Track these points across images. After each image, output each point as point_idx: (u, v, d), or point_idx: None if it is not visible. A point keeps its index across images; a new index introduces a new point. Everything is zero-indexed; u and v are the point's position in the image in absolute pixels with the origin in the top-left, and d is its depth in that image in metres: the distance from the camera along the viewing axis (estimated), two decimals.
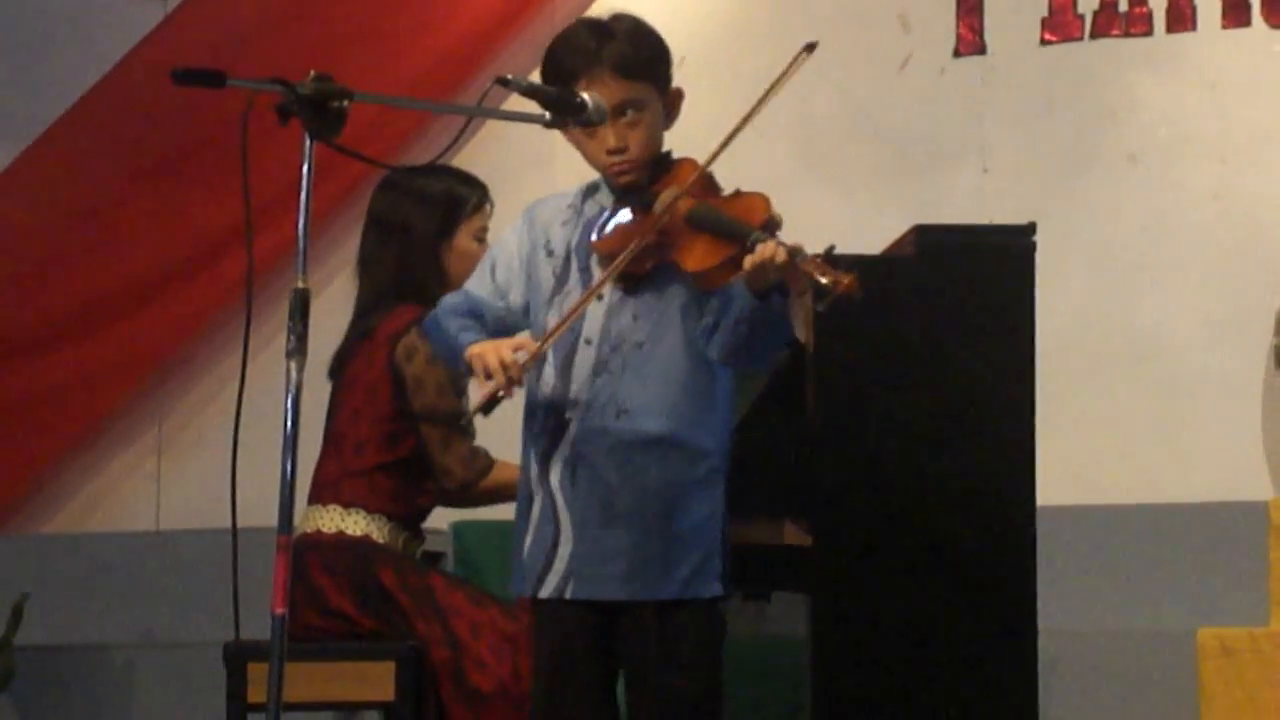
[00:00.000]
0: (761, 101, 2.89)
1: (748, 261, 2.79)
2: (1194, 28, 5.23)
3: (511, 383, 2.87)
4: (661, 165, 3.03)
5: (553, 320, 3.00)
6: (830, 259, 2.77)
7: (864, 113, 5.43)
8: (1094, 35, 5.31)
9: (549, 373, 3.02)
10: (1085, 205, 5.26)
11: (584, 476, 2.98)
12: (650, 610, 2.97)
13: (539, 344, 2.92)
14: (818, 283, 2.74)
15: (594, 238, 3.01)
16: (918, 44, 5.42)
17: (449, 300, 3.13)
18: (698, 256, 2.90)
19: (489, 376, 2.88)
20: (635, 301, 3.00)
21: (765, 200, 2.90)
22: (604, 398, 2.98)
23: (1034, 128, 5.33)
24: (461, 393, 3.79)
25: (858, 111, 5.43)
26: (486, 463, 3.81)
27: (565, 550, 3.00)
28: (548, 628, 3.04)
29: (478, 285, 3.12)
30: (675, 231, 2.93)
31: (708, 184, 2.99)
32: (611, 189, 3.06)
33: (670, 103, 3.06)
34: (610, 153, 2.99)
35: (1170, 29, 5.26)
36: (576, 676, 3.01)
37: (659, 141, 3.05)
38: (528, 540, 3.05)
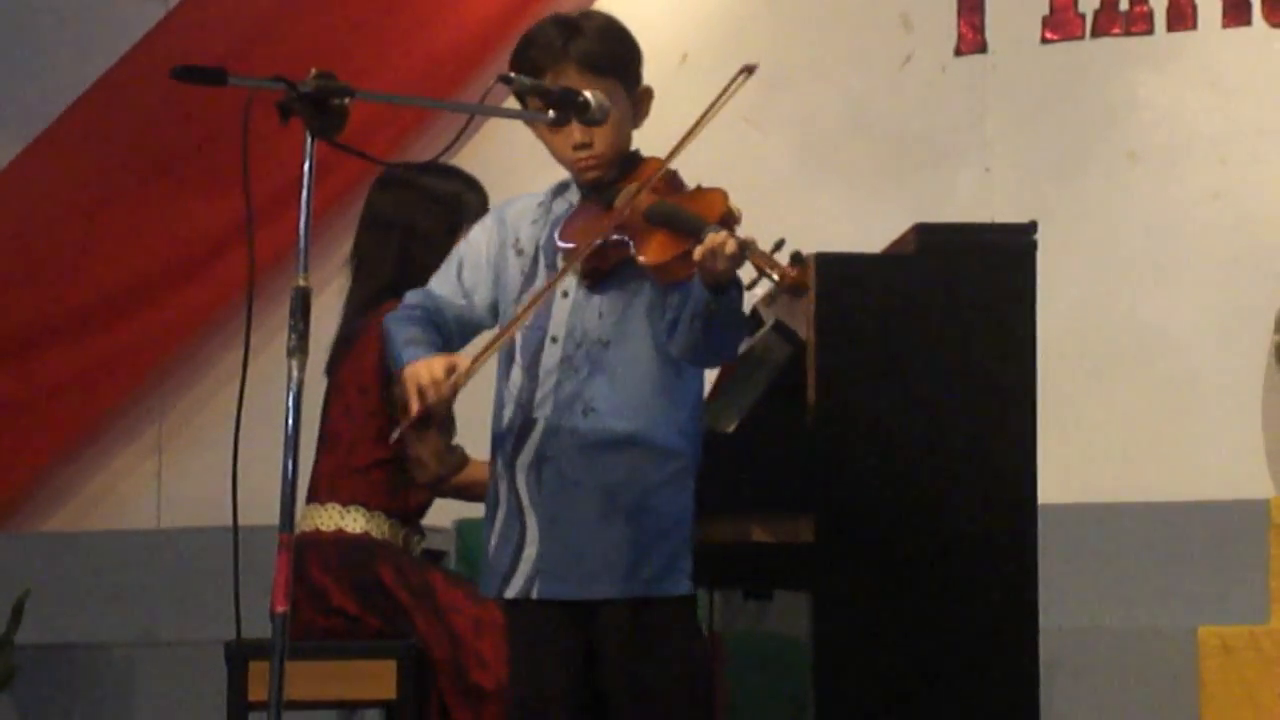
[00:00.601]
0: (703, 120, 2.90)
1: (697, 251, 2.78)
2: (1195, 26, 5.24)
3: (442, 401, 2.89)
4: (630, 163, 3.03)
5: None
6: (779, 252, 2.79)
7: (865, 111, 5.43)
8: (1095, 34, 5.31)
9: (516, 371, 3.03)
10: (1086, 204, 5.25)
11: (550, 475, 2.98)
12: (623, 609, 2.96)
13: (471, 363, 2.92)
14: (766, 275, 2.75)
15: (558, 237, 3.01)
16: (919, 43, 5.42)
17: (410, 299, 3.12)
18: (654, 251, 2.90)
19: (421, 395, 2.89)
20: (600, 299, 3.00)
21: (723, 195, 2.90)
22: (570, 396, 2.98)
23: (1035, 126, 5.33)
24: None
25: (859, 110, 5.43)
26: (460, 459, 3.79)
27: (531, 550, 2.99)
28: (518, 628, 3.05)
29: (441, 283, 3.11)
30: (635, 227, 2.94)
31: (671, 181, 2.99)
32: (579, 186, 3.06)
33: (639, 101, 3.05)
34: (576, 148, 2.99)
35: (1171, 28, 5.26)
36: (552, 676, 3.00)
37: (626, 139, 3.04)
38: (493, 539, 3.05)
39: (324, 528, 3.78)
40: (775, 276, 2.74)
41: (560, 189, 3.11)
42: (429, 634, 3.67)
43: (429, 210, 3.88)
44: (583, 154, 3.00)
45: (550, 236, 3.04)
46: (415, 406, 2.90)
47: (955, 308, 3.32)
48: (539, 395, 2.99)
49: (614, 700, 2.99)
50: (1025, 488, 3.30)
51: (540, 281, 3.03)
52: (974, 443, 3.28)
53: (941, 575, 3.24)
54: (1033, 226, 3.35)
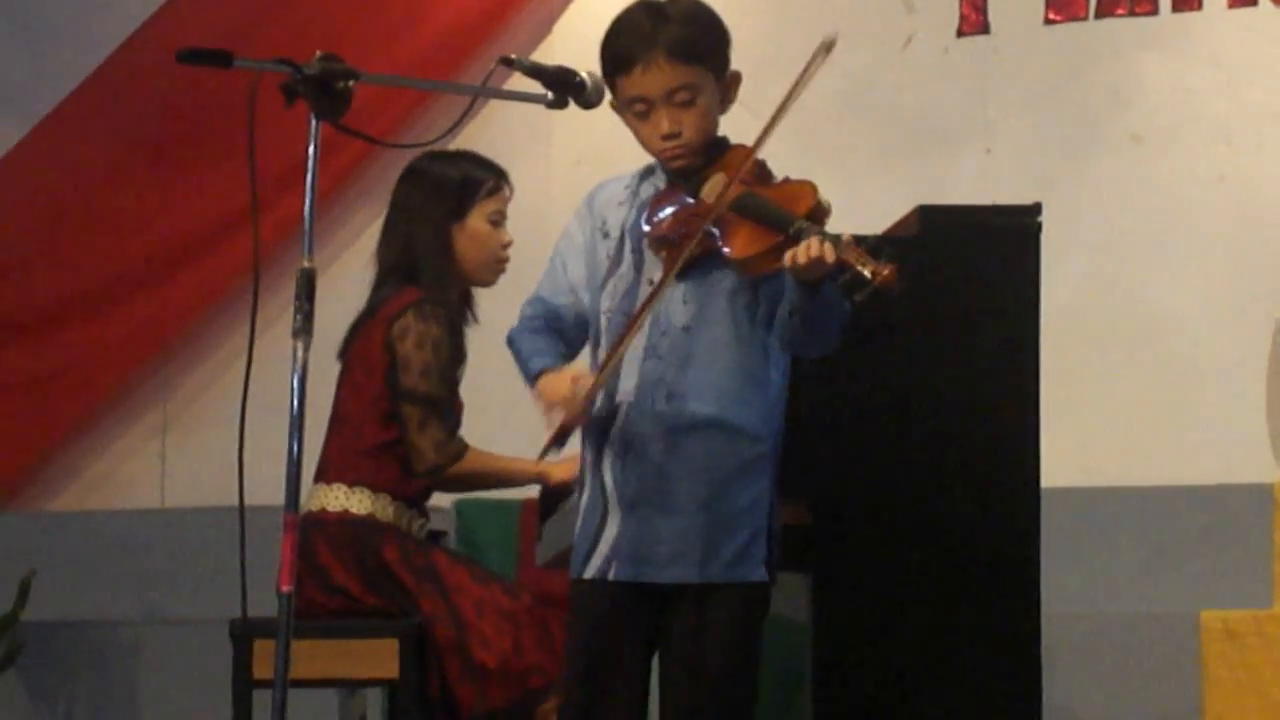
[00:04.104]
0: (787, 102, 2.87)
1: (793, 257, 2.77)
2: (1200, 7, 5.23)
3: (580, 416, 2.92)
4: (716, 150, 3.02)
5: (605, 302, 3.03)
6: (872, 249, 2.76)
7: (867, 92, 5.42)
8: (1099, 15, 5.30)
9: (601, 357, 3.03)
10: (1089, 186, 5.25)
11: (633, 459, 2.99)
12: (694, 593, 2.97)
13: (596, 376, 2.94)
14: (858, 273, 2.72)
15: (644, 223, 3.02)
16: (921, 23, 5.42)
17: (526, 311, 3.13)
18: (741, 244, 2.89)
19: (554, 416, 2.92)
20: (683, 286, 2.99)
21: (812, 188, 2.89)
22: (653, 381, 2.98)
23: (1038, 108, 5.32)
24: (449, 380, 3.81)
25: (860, 91, 5.42)
26: (458, 449, 3.82)
27: (611, 532, 3.00)
28: (587, 608, 3.04)
29: (551, 288, 3.11)
30: (723, 219, 2.93)
31: (759, 171, 2.98)
32: (665, 172, 3.06)
33: (727, 86, 3.04)
34: (664, 137, 2.98)
35: (1176, 8, 5.25)
36: (616, 657, 3.01)
37: (714, 126, 3.03)
38: (579, 520, 3.06)
39: (330, 508, 3.79)
40: (867, 274, 2.72)
41: (647, 172, 3.10)
42: (433, 614, 3.69)
43: (434, 194, 3.90)
44: (671, 143, 2.98)
45: (637, 220, 3.04)
46: (552, 427, 2.93)
47: (958, 290, 3.32)
48: (623, 380, 3.00)
49: (672, 681, 3.00)
50: (1028, 471, 3.30)
51: (625, 266, 3.03)
52: (977, 425, 3.29)
53: (944, 559, 3.25)
54: (1037, 208, 3.35)
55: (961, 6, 5.39)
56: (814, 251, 2.76)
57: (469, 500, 4.69)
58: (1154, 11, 5.26)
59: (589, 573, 3.02)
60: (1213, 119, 5.18)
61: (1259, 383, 5.08)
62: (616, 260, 3.05)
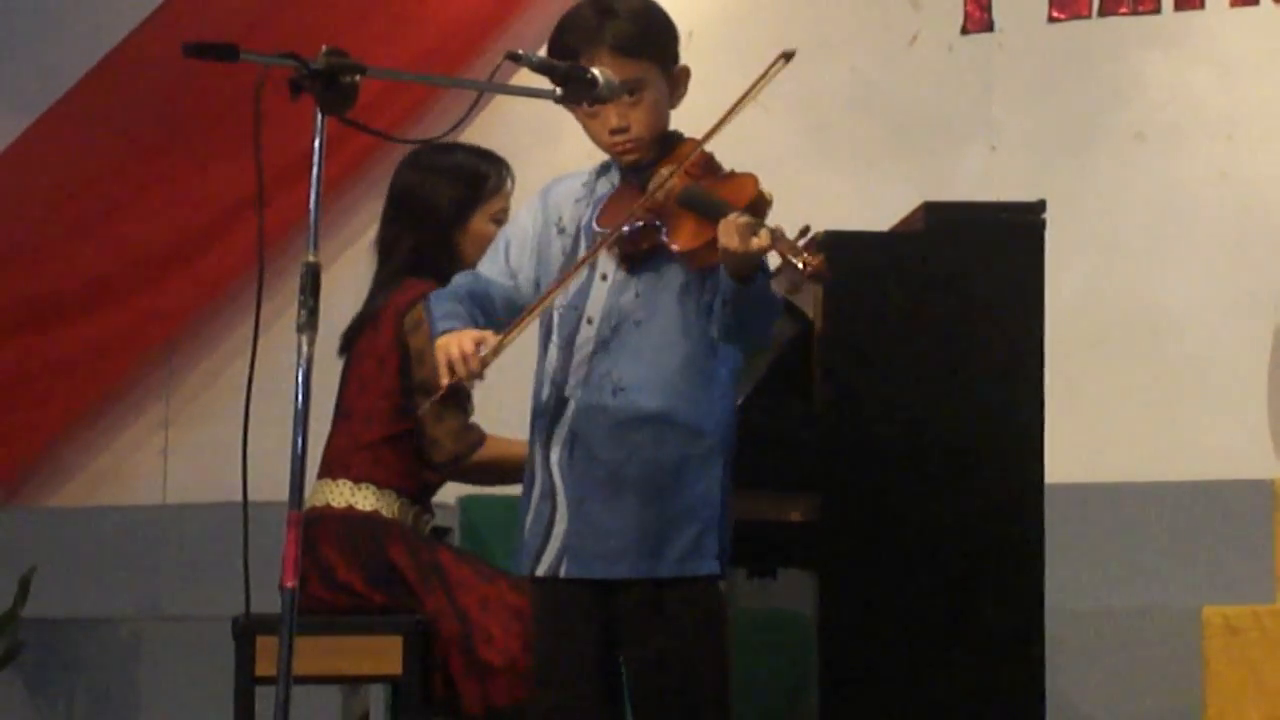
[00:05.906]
0: (739, 104, 2.89)
1: (724, 243, 2.79)
2: (1202, 6, 5.24)
3: (472, 375, 2.90)
4: (668, 144, 3.03)
5: (558, 298, 3.02)
6: (808, 241, 2.77)
7: (872, 89, 5.42)
8: (1102, 13, 5.31)
9: (553, 351, 3.04)
10: (1092, 183, 5.25)
11: (581, 454, 2.99)
12: (647, 588, 2.97)
13: (500, 338, 2.92)
14: (789, 264, 2.74)
15: (595, 220, 3.02)
16: (926, 21, 5.42)
17: (456, 280, 3.14)
18: (685, 236, 2.91)
19: (451, 369, 2.90)
20: (637, 280, 3.01)
21: (754, 181, 2.91)
22: (602, 375, 2.99)
23: (1042, 106, 5.33)
24: None
25: (865, 88, 5.42)
26: (477, 437, 3.81)
27: (561, 528, 3.01)
28: (545, 606, 3.06)
29: (489, 266, 3.12)
30: (668, 211, 2.94)
31: (707, 164, 2.99)
32: (618, 168, 3.07)
33: (676, 81, 3.06)
34: (612, 132, 3.00)
35: (1179, 7, 5.26)
36: (575, 654, 3.01)
37: (664, 120, 3.05)
38: (528, 517, 3.06)
39: (335, 504, 3.79)
40: (799, 265, 2.73)
41: (604, 169, 3.11)
42: (438, 612, 3.68)
43: (442, 189, 3.88)
44: (619, 138, 3.01)
45: (592, 216, 3.05)
46: (444, 380, 2.91)
47: (963, 286, 3.32)
48: (572, 375, 3.00)
49: (635, 679, 3.00)
50: (1032, 467, 3.31)
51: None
52: (981, 421, 3.29)
53: (948, 554, 3.25)
54: (1041, 205, 3.36)
55: (966, 4, 5.39)
56: (732, 223, 2.76)
57: (474, 496, 4.69)
58: (1157, 10, 5.27)
59: (541, 570, 3.03)
60: (1215, 117, 5.19)
61: (1260, 378, 5.09)
62: (572, 256, 3.05)
